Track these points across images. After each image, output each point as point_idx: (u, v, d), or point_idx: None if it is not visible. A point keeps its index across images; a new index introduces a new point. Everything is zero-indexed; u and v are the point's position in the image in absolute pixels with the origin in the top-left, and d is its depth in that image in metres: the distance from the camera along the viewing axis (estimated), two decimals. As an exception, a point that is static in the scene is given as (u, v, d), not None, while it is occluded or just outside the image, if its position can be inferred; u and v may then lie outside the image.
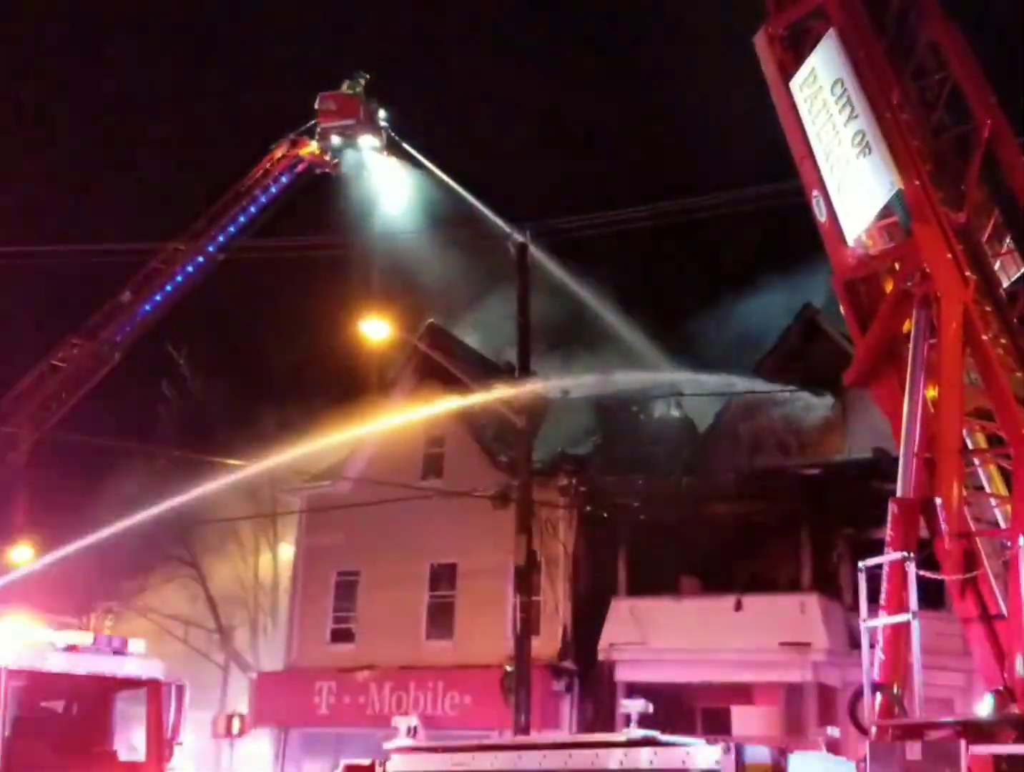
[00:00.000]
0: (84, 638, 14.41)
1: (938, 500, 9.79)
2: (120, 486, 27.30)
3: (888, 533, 9.83)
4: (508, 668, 19.85)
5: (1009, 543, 9.60)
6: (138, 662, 14.40)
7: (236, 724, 21.54)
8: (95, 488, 28.12)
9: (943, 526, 9.73)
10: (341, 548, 26.01)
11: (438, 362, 24.85)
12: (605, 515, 22.61)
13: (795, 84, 11.97)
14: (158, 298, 26.31)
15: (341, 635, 26.24)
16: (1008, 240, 11.34)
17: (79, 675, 13.94)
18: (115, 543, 21.13)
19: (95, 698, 14.40)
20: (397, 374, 27.14)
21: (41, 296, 33.97)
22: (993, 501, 10.39)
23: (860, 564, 10.04)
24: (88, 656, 14.08)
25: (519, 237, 20.63)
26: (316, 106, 26.39)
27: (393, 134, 26.87)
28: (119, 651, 14.35)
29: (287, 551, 29.09)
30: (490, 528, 22.27)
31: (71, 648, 14.10)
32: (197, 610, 29.58)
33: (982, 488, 10.50)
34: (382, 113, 26.83)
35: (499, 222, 22.15)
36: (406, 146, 26.72)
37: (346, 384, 28.89)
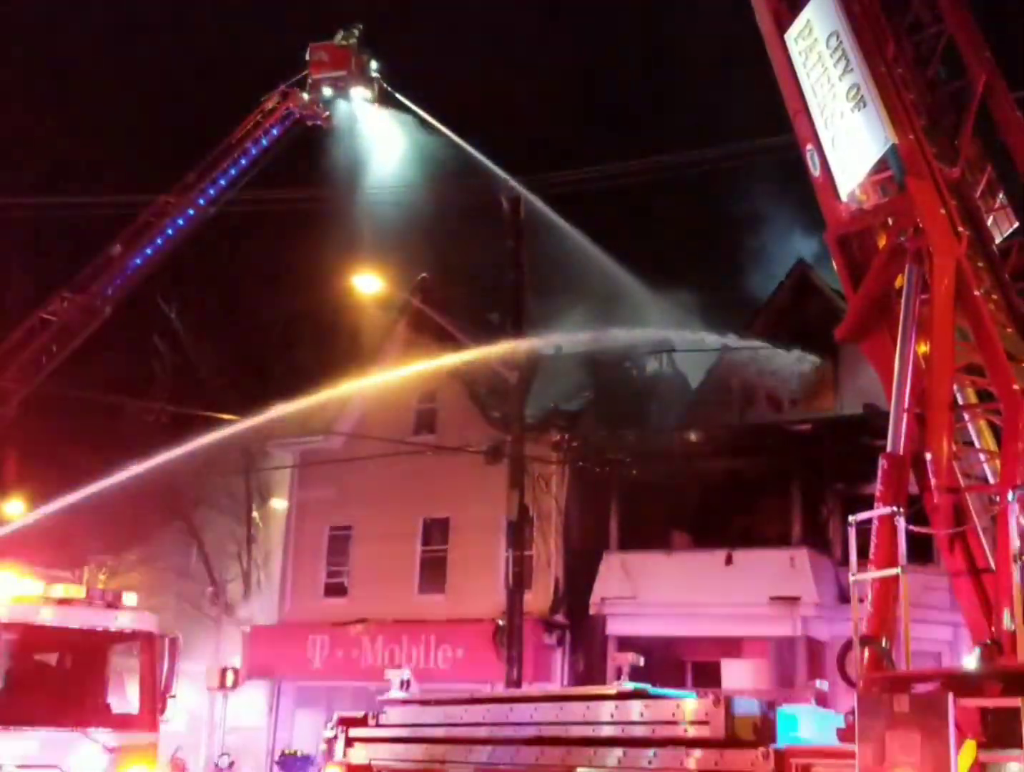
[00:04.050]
0: (77, 591, 14.51)
1: (928, 455, 9.81)
2: (113, 440, 27.31)
3: (878, 488, 9.87)
4: (500, 622, 20.02)
5: (998, 498, 9.64)
6: (131, 615, 14.51)
7: (230, 677, 21.74)
8: (88, 442, 28.14)
9: (932, 481, 9.76)
10: (333, 503, 26.11)
11: (431, 317, 24.80)
12: (597, 470, 22.69)
13: (790, 37, 11.84)
14: (149, 251, 26.12)
15: (334, 589, 26.42)
16: (1001, 196, 11.30)
17: (72, 628, 14.04)
18: (108, 497, 21.17)
19: (88, 651, 14.52)
20: (390, 329, 27.10)
21: (30, 249, 33.70)
22: (983, 456, 10.41)
23: (850, 518, 10.09)
24: (81, 610, 14.19)
25: (513, 191, 20.52)
26: (307, 57, 26.07)
27: (385, 85, 26.59)
28: (112, 605, 14.46)
29: (280, 505, 29.20)
30: (482, 483, 22.35)
31: (64, 602, 14.20)
32: (190, 564, 29.75)
33: (972, 443, 10.52)
34: (374, 64, 26.53)
35: (495, 169, 22.02)
36: (399, 96, 26.47)
37: (339, 339, 28.83)
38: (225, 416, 22.43)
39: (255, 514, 29.62)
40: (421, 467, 24.14)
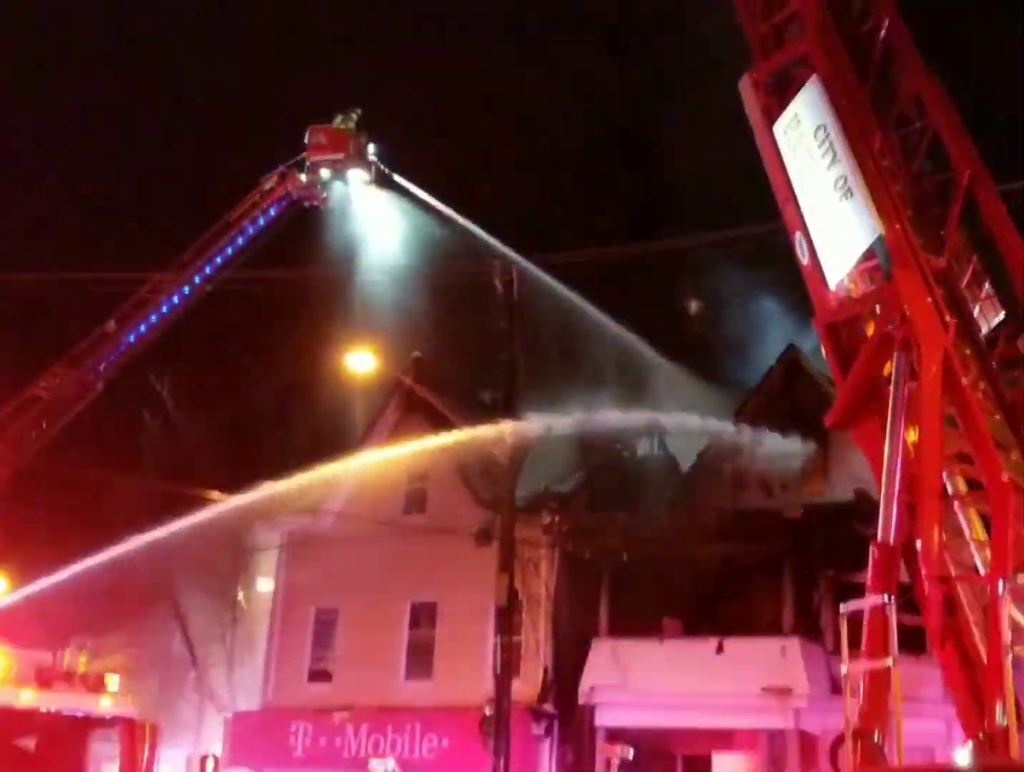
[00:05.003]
0: (58, 674, 14.25)
1: (918, 544, 9.78)
2: (98, 517, 27.08)
3: (869, 577, 9.82)
4: (487, 711, 19.66)
5: (988, 588, 9.58)
6: (113, 700, 14.24)
7: (210, 765, 21.20)
8: (73, 519, 27.90)
9: (923, 570, 9.72)
10: (320, 584, 25.79)
11: (422, 396, 24.79)
12: (587, 554, 22.52)
13: (779, 128, 12.07)
14: (143, 328, 26.18)
15: (318, 674, 25.98)
16: (987, 285, 11.44)
17: (52, 712, 13.78)
18: (91, 576, 20.93)
19: (68, 736, 14.22)
20: (381, 407, 27.08)
21: (23, 323, 33.80)
22: (973, 546, 10.38)
23: (841, 608, 10.02)
24: (61, 693, 13.92)
25: (507, 272, 20.68)
26: (306, 140, 26.45)
27: (383, 168, 26.95)
28: (93, 688, 14.20)
29: (266, 586, 28.85)
30: (471, 566, 22.15)
31: (44, 684, 13.95)
32: (173, 646, 29.29)
33: (962, 533, 10.49)
34: (372, 147, 26.91)
35: (491, 242, 22.21)
36: (397, 178, 26.82)
37: (330, 417, 28.79)
38: (213, 494, 22.30)
39: (240, 595, 29.25)
40: (410, 548, 23.94)
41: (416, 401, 25.46)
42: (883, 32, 12.03)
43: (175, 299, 26.24)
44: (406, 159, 27.74)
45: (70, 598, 23.82)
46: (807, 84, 11.84)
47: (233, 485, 22.47)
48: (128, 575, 24.56)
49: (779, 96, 12.29)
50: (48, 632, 24.60)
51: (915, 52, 11.92)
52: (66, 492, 28.65)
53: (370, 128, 26.82)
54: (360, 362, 22.74)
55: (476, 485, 24.32)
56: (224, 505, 21.99)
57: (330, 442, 26.65)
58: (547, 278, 22.95)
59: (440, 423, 24.07)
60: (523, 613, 22.49)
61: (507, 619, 19.20)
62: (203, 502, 22.33)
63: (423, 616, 24.94)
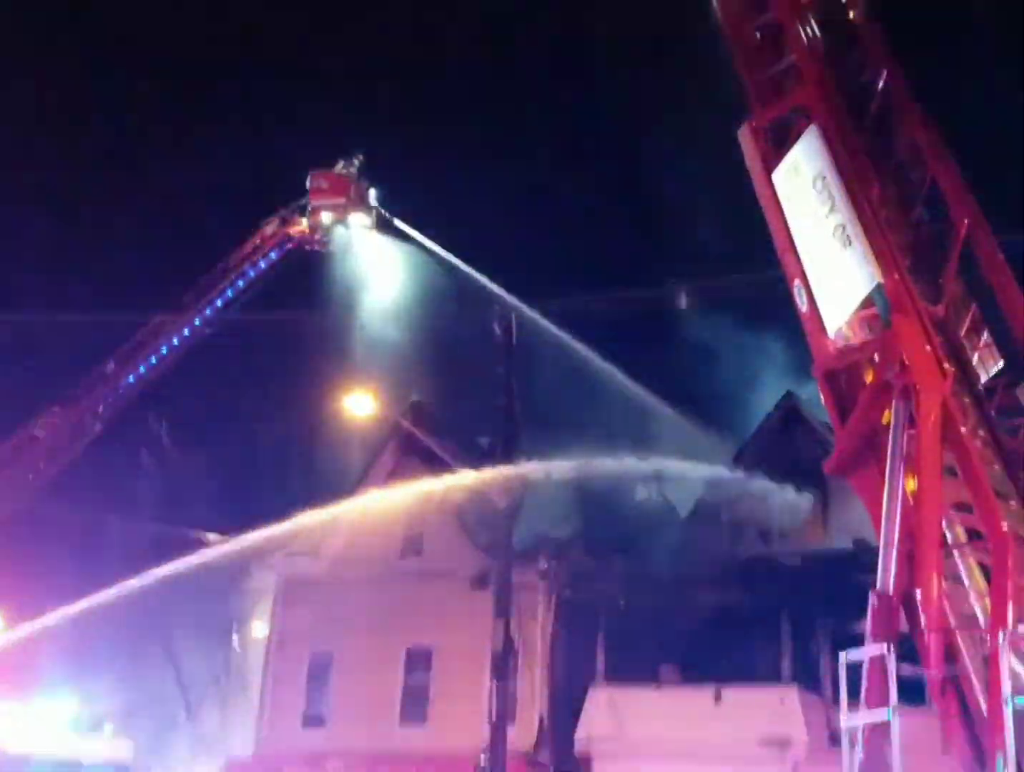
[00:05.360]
0: (52, 716, 14.18)
1: (918, 594, 9.73)
2: (94, 557, 26.94)
3: (868, 626, 9.77)
4: (482, 759, 19.42)
5: (988, 638, 9.52)
6: (106, 744, 14.15)
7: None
8: (68, 560, 27.76)
9: (923, 620, 9.67)
10: (315, 628, 25.57)
11: (421, 440, 24.74)
12: (584, 600, 22.37)
13: (777, 176, 12.17)
14: (142, 369, 26.26)
15: (312, 719, 25.69)
16: (985, 334, 11.47)
17: (46, 755, 13.68)
18: (86, 618, 20.81)
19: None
20: (379, 451, 27.03)
21: (25, 364, 33.84)
22: (973, 596, 10.32)
23: (840, 657, 9.95)
24: (56, 734, 13.84)
25: (506, 317, 20.73)
26: (308, 184, 26.66)
27: (384, 212, 27.13)
28: (87, 730, 14.11)
29: (261, 630, 28.64)
30: (468, 611, 22.00)
31: (38, 725, 13.86)
32: (166, 690, 29.01)
33: (962, 582, 10.43)
34: (373, 192, 27.12)
35: (494, 289, 22.29)
36: (397, 223, 26.98)
37: (328, 460, 28.73)
38: (209, 536, 22.21)
39: (234, 639, 29.04)
40: (406, 593, 23.78)
41: (414, 445, 25.43)
42: (881, 83, 12.17)
43: (175, 341, 26.35)
44: (407, 204, 27.96)
45: (62, 639, 23.66)
46: (806, 133, 11.95)
47: (229, 527, 22.39)
48: (123, 617, 24.43)
49: (778, 144, 12.40)
50: (42, 674, 24.46)
51: (913, 102, 12.05)
52: (61, 531, 28.54)
53: (371, 174, 27.05)
54: (359, 405, 22.72)
55: (473, 530, 24.21)
56: (220, 547, 21.90)
57: (328, 485, 26.59)
58: (546, 324, 23.04)
59: (438, 467, 24.04)
60: (519, 659, 22.28)
61: (503, 665, 19.03)
62: (199, 544, 22.23)
63: (419, 661, 24.72)
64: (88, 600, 20.53)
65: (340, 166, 26.86)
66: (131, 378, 26.47)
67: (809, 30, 12.70)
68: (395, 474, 25.40)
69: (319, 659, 25.94)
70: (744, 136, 12.66)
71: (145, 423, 30.57)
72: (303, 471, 28.43)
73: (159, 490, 30.03)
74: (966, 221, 11.39)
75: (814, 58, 12.36)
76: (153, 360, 26.37)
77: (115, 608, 21.37)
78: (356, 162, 27.07)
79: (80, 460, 27.10)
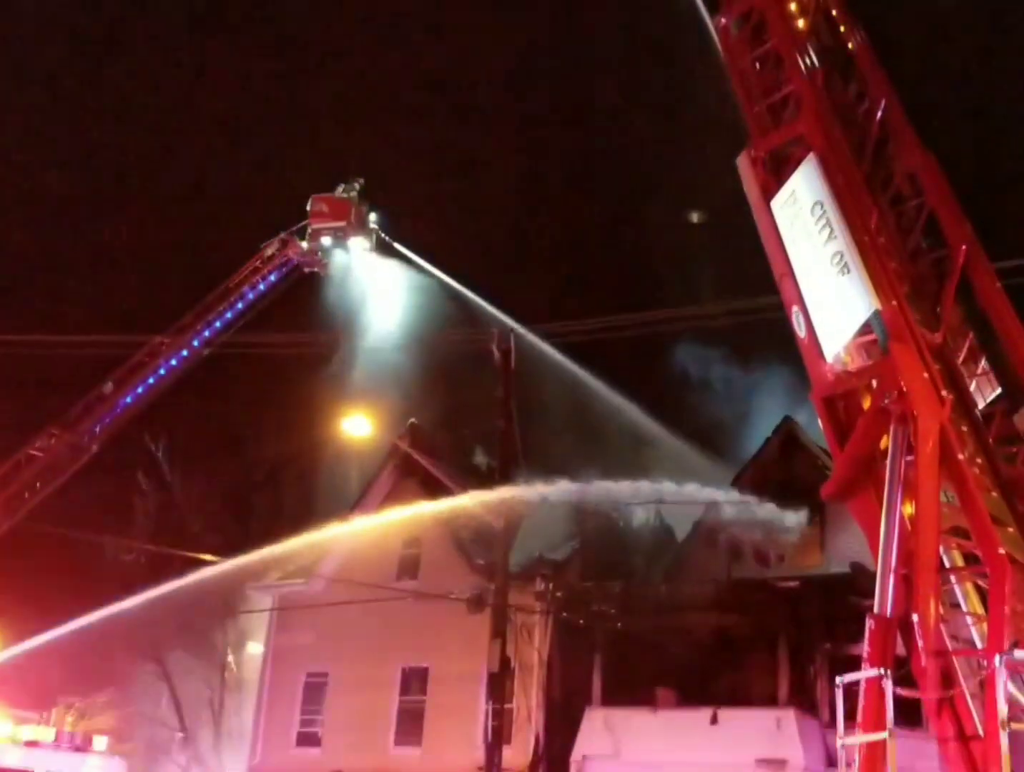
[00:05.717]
0: (45, 734, 14.17)
1: (915, 617, 9.80)
2: (90, 577, 26.90)
3: (865, 649, 9.84)
4: (478, 780, 19.45)
5: (985, 663, 9.60)
6: (100, 760, 14.14)
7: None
8: (64, 578, 27.73)
9: (920, 643, 9.73)
10: (311, 649, 25.60)
11: (418, 462, 24.81)
12: (581, 622, 22.40)
13: (776, 204, 12.30)
14: (140, 390, 26.30)
15: (307, 738, 25.66)
16: (983, 361, 11.58)
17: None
18: (81, 637, 20.80)
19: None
20: (377, 472, 27.08)
21: (24, 385, 33.85)
22: (969, 620, 10.41)
23: (837, 680, 10.02)
24: (49, 752, 13.83)
25: (505, 340, 20.84)
26: (308, 208, 26.81)
27: (384, 236, 27.29)
28: (81, 748, 14.12)
29: (256, 650, 28.60)
30: (464, 632, 22.02)
31: (31, 743, 13.85)
32: (161, 708, 28.93)
33: (959, 606, 10.52)
34: (373, 216, 27.29)
35: (493, 311, 22.41)
36: (397, 246, 27.15)
37: (325, 480, 28.78)
38: (205, 556, 22.21)
39: (230, 658, 28.98)
40: (402, 614, 23.79)
41: (412, 467, 25.50)
42: (879, 113, 12.34)
43: (173, 362, 26.41)
44: (406, 228, 28.14)
45: (59, 658, 23.62)
46: (804, 162, 12.09)
47: (226, 547, 22.40)
48: (118, 636, 24.39)
49: (776, 173, 12.55)
50: (36, 691, 24.39)
51: (910, 132, 12.22)
52: (58, 551, 28.50)
53: (371, 197, 27.24)
54: (357, 427, 22.81)
55: (470, 551, 24.25)
56: (216, 567, 21.90)
57: (325, 506, 26.65)
58: (544, 346, 23.16)
59: (435, 489, 24.12)
60: (515, 681, 22.28)
61: (499, 686, 19.06)
62: (195, 564, 22.23)
63: (414, 682, 24.73)
64: (83, 619, 20.51)
65: (340, 189, 27.03)
66: (129, 399, 26.50)
67: (807, 60, 12.88)
68: (392, 496, 25.47)
69: (314, 679, 25.95)
70: (743, 165, 12.81)
71: (142, 444, 30.58)
72: (301, 492, 28.49)
73: (155, 511, 30.01)
74: (963, 249, 11.52)
75: (812, 88, 12.52)
76: (151, 381, 26.42)
77: (110, 628, 21.35)
78: (356, 186, 27.25)
79: (77, 480, 27.11)
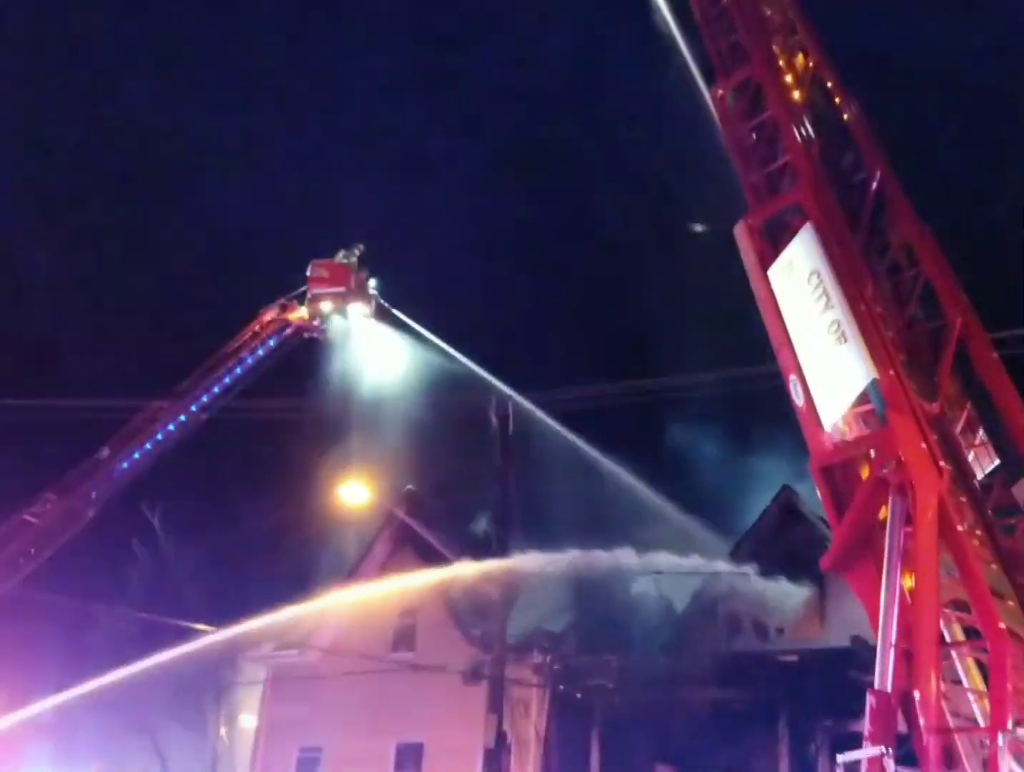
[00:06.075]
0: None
1: (916, 693, 9.60)
2: (83, 645, 26.60)
3: (866, 726, 9.63)
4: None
5: (988, 741, 9.38)
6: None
7: None
8: (56, 646, 27.40)
9: (921, 720, 9.52)
10: (304, 722, 25.18)
11: (415, 530, 24.62)
12: (579, 695, 22.04)
13: (773, 272, 12.32)
14: (137, 456, 26.16)
15: (299, 816, 25.18)
16: (981, 432, 11.50)
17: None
18: (71, 707, 20.49)
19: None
20: (373, 541, 26.87)
21: (20, 450, 33.74)
22: (971, 696, 10.19)
23: (838, 758, 9.79)
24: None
25: (503, 408, 20.81)
26: (308, 273, 26.87)
27: (383, 302, 27.34)
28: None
29: (249, 722, 28.16)
30: (460, 706, 21.70)
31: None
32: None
33: (960, 681, 10.31)
34: (373, 282, 27.35)
35: (491, 380, 22.38)
36: (396, 313, 27.17)
37: (321, 549, 28.52)
38: (199, 626, 21.94)
39: (222, 731, 28.52)
40: (397, 686, 23.45)
41: (408, 535, 25.30)
42: (874, 184, 12.40)
43: (171, 427, 26.29)
44: (406, 295, 28.21)
45: (47, 729, 23.25)
46: (801, 231, 12.13)
47: (220, 617, 22.13)
48: (109, 707, 24.03)
49: (773, 241, 12.58)
50: (27, 761, 23.97)
51: (906, 203, 12.27)
52: (50, 618, 28.20)
53: (372, 263, 27.33)
54: (353, 493, 22.65)
55: (466, 623, 23.96)
56: (210, 637, 21.63)
57: (320, 575, 26.37)
58: (543, 416, 23.09)
59: (432, 558, 23.89)
60: (512, 756, 21.85)
61: (495, 762, 18.72)
62: (189, 633, 21.96)
63: (409, 757, 24.29)
64: (76, 689, 20.24)
65: (340, 255, 27.13)
66: (126, 464, 26.36)
67: (804, 130, 12.98)
68: (388, 565, 25.25)
69: (308, 753, 25.52)
70: (740, 233, 12.85)
71: (138, 511, 30.41)
72: (296, 560, 28.22)
73: (150, 579, 29.75)
74: (960, 320, 11.51)
75: (809, 158, 12.61)
76: (149, 446, 26.28)
77: (102, 697, 21.03)
78: (356, 251, 27.35)
79: (71, 546, 26.89)
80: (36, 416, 27.01)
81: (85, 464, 26.10)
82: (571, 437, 24.32)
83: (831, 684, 19.11)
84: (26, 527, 25.91)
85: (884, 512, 10.64)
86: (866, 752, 9.42)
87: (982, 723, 9.84)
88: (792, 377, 11.80)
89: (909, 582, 10.17)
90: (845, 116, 13.18)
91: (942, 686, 9.79)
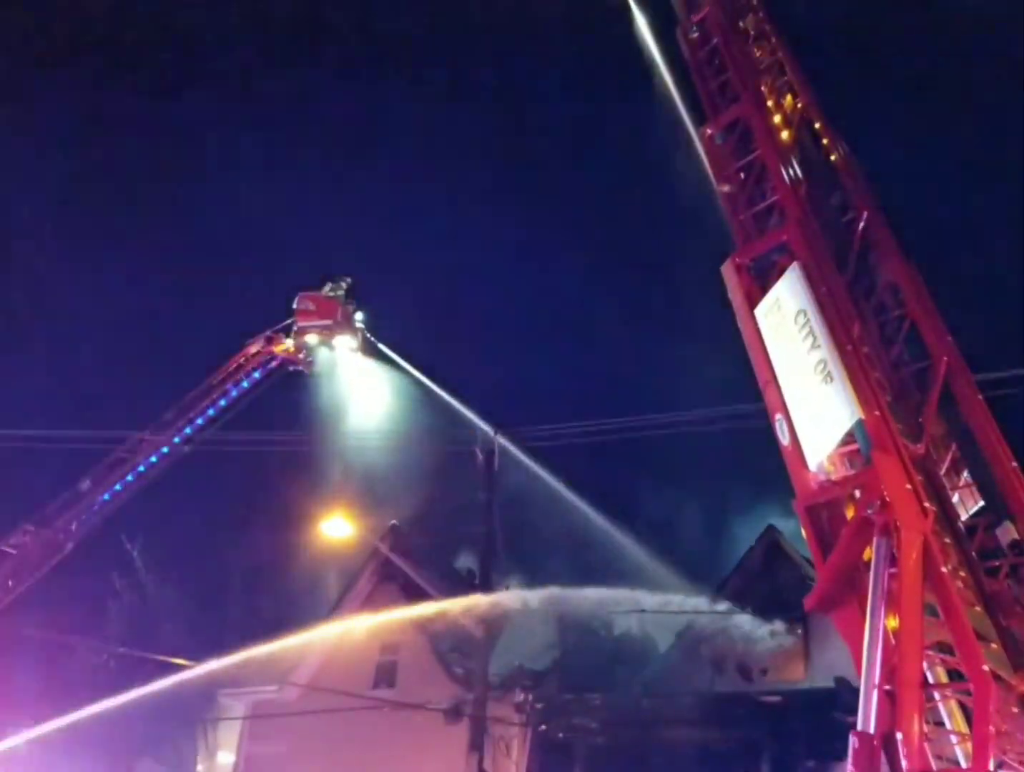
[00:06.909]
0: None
1: (899, 735, 9.54)
2: (59, 679, 26.27)
3: (849, 768, 9.55)
4: None
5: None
6: None
7: None
8: (31, 681, 27.04)
9: (904, 763, 9.45)
10: (284, 759, 24.83)
11: (398, 566, 24.44)
12: (561, 735, 21.83)
13: (760, 311, 12.37)
14: (118, 488, 25.97)
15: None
16: (966, 474, 11.50)
17: None
18: (46, 742, 20.20)
19: None
20: (356, 576, 26.66)
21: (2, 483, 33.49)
22: (954, 738, 10.13)
23: (821, 802, 9.71)
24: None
25: (488, 444, 20.76)
26: (294, 305, 26.84)
27: (369, 336, 27.31)
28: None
29: (227, 759, 27.77)
30: (441, 744, 21.43)
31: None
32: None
33: (943, 723, 10.25)
34: (359, 315, 27.32)
35: (475, 419, 22.34)
36: (382, 347, 27.14)
37: (304, 584, 28.32)
38: (178, 661, 21.69)
39: (200, 768, 28.11)
40: (378, 724, 23.15)
41: (392, 570, 25.10)
42: (861, 224, 12.48)
43: (153, 459, 26.13)
44: (392, 328, 28.21)
45: (23, 762, 22.90)
46: (788, 270, 12.19)
47: (199, 652, 21.90)
48: (85, 741, 23.70)
49: (761, 280, 12.64)
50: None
51: (892, 244, 12.36)
52: (26, 652, 27.84)
53: (358, 297, 27.33)
54: (336, 528, 22.49)
55: (449, 660, 23.73)
56: (188, 672, 21.39)
57: (302, 610, 26.16)
58: (525, 455, 23.03)
59: (415, 594, 23.71)
60: (492, 796, 21.63)
61: (476, 801, 18.48)
62: (167, 668, 21.71)
63: (388, 797, 23.94)
64: (52, 723, 19.98)
65: (327, 288, 27.12)
66: (107, 496, 26.17)
67: (792, 170, 13.08)
68: (371, 600, 25.01)
69: (286, 792, 25.11)
70: (727, 272, 12.92)
71: (118, 543, 30.16)
72: (278, 595, 28.00)
73: (129, 612, 29.44)
74: (945, 361, 11.55)
75: (796, 199, 12.70)
76: (130, 478, 26.11)
77: (79, 733, 20.75)
78: (343, 285, 27.34)
79: (50, 578, 26.63)
80: (16, 445, 26.82)
81: (65, 495, 25.91)
82: (554, 474, 24.29)
83: (814, 725, 18.98)
84: (3, 558, 25.66)
85: (869, 553, 10.61)
86: (850, 796, 9.33)
87: (964, 765, 9.78)
88: (778, 416, 11.81)
89: (893, 623, 10.13)
90: (833, 157, 13.29)
91: (925, 728, 9.73)
